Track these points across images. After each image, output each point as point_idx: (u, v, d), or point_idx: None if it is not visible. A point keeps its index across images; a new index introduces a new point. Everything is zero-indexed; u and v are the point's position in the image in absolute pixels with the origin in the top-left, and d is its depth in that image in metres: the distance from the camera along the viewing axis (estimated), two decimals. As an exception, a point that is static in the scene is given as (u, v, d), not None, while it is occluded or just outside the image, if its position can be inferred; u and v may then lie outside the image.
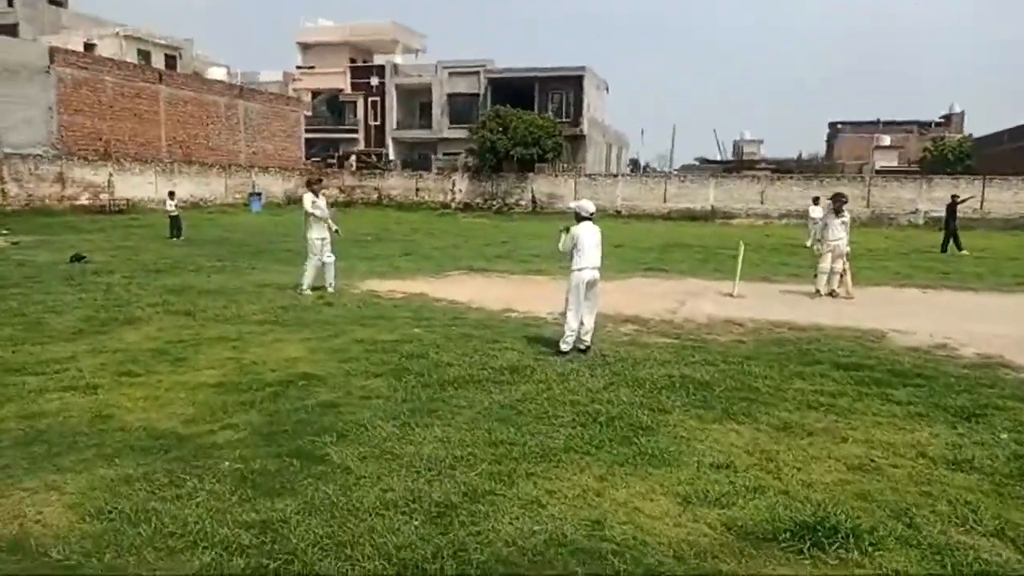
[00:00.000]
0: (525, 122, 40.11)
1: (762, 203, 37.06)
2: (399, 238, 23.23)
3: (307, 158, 47.50)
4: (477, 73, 49.18)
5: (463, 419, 5.40)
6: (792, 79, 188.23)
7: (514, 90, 45.75)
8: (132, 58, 37.47)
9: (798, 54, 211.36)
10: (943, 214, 22.66)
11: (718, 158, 75.62)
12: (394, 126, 52.15)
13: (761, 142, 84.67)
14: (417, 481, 4.23)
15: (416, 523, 3.72)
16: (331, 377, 6.48)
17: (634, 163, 68.11)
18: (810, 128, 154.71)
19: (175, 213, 21.02)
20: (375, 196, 43.42)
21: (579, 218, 7.61)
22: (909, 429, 5.18)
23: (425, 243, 21.43)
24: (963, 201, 22.13)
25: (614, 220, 36.42)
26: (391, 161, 48.23)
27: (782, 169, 64.55)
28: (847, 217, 11.56)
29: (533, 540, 3.55)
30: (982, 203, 34.01)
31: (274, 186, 40.27)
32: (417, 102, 52.77)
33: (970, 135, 67.61)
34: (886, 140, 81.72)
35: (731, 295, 11.38)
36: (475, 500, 3.98)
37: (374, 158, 48.78)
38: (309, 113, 49.04)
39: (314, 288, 11.16)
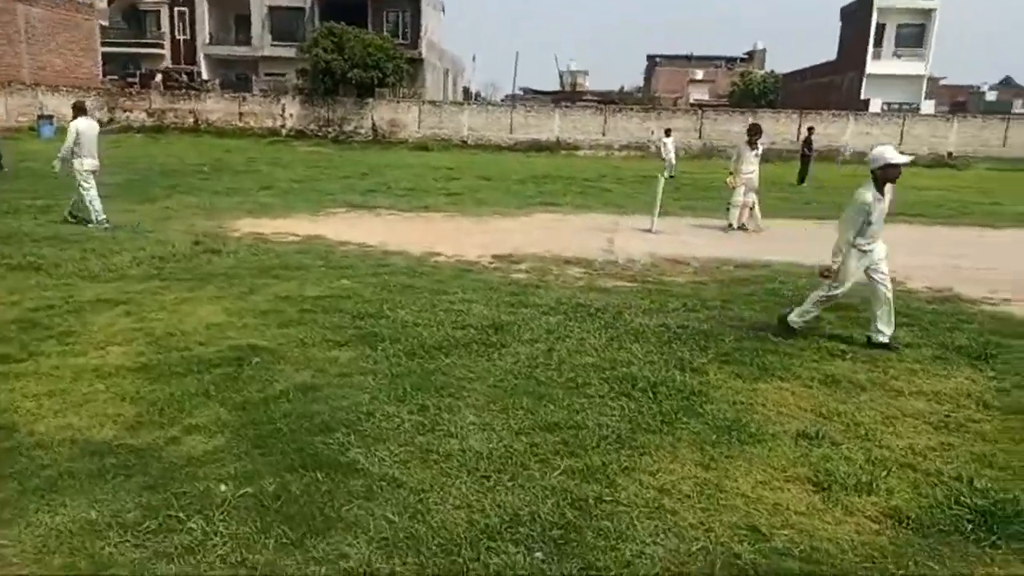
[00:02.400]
0: (363, 42, 37.31)
1: (604, 135, 37.61)
2: (240, 170, 20.76)
3: (104, 76, 41.32)
4: (302, -15, 44.98)
5: (482, 395, 4.52)
6: (611, 10, 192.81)
7: (345, 6, 42.31)
8: None
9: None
10: (800, 147, 24.00)
11: (551, 88, 75.99)
12: (206, 41, 46.77)
13: (586, 73, 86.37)
14: (496, 491, 3.36)
15: (539, 554, 2.89)
16: (284, 349, 5.25)
17: (465, 91, 66.61)
18: (628, 61, 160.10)
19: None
20: (191, 121, 38.71)
21: (880, 179, 5.62)
22: (944, 375, 5.06)
23: (277, 175, 19.29)
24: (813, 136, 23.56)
25: (461, 151, 35.45)
26: (208, 81, 43.23)
27: (606, 100, 66.33)
28: (760, 150, 11.60)
29: (699, 562, 2.86)
30: (798, 136, 36.86)
31: (66, 108, 34.36)
32: (233, 14, 47.51)
33: (772, 71, 73.28)
34: (699, 74, 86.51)
35: (650, 231, 11.10)
36: (588, 512, 3.20)
37: (185, 77, 43.45)
38: (105, 23, 42.38)
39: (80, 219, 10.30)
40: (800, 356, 5.36)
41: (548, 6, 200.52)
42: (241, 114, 38.80)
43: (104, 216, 10.25)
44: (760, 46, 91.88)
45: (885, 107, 40.60)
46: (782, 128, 37.14)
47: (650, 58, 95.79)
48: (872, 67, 42.25)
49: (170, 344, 5.27)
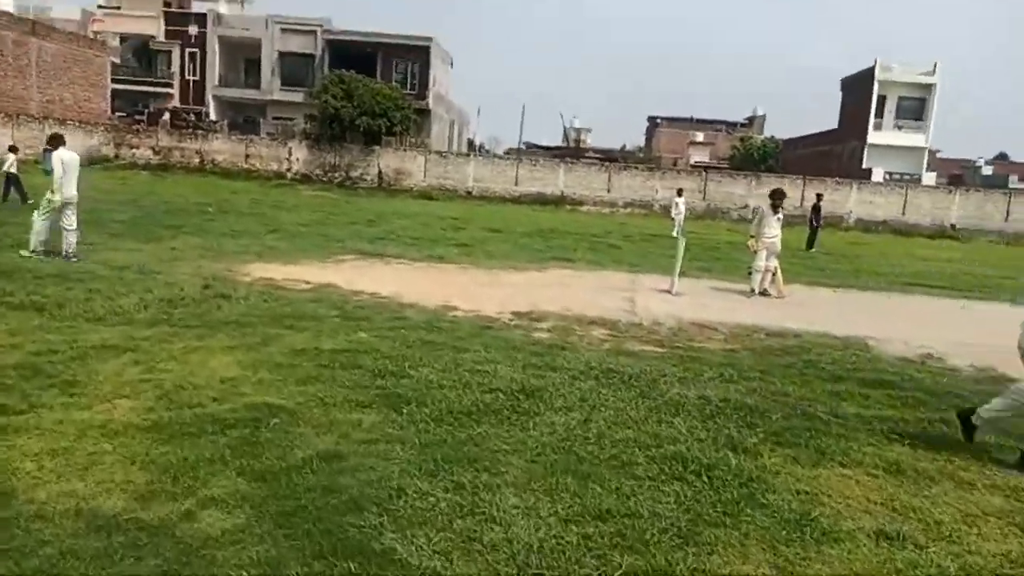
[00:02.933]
0: (372, 90, 37.75)
1: (608, 191, 37.81)
2: (246, 211, 20.59)
3: (112, 112, 41.57)
4: (314, 32, 45.80)
5: (521, 471, 4.16)
6: (614, 71, 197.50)
7: (355, 55, 43.02)
8: None
9: (619, 45, 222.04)
10: (808, 213, 23.98)
11: (558, 143, 77.01)
12: (216, 82, 47.26)
13: (589, 131, 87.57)
14: (556, 592, 2.98)
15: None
16: (303, 409, 4.89)
17: (470, 143, 67.32)
18: (630, 120, 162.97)
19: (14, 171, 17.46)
20: (196, 160, 38.78)
21: None
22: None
23: (283, 219, 19.09)
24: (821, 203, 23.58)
25: (465, 201, 35.53)
26: (216, 122, 43.50)
27: (609, 158, 67.14)
28: (782, 215, 11.44)
29: None
30: (801, 202, 37.09)
31: (73, 142, 34.15)
32: (243, 58, 48.19)
33: (772, 136, 74.43)
34: (699, 136, 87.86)
35: (670, 292, 10.83)
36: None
37: (193, 117, 43.73)
38: (117, 60, 42.86)
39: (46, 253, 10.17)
40: (855, 439, 5.01)
41: (552, 64, 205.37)
42: (247, 156, 38.91)
43: (42, 249, 10.16)
44: (760, 112, 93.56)
45: (887, 176, 41.01)
46: (788, 193, 37.41)
47: (651, 119, 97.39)
48: (873, 137, 42.88)
49: (181, 399, 4.90)
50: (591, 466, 4.30)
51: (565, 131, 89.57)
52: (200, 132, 39.71)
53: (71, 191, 10.38)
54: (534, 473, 4.16)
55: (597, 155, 75.40)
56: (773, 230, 11.20)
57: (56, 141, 10.65)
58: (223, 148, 38.88)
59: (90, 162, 35.86)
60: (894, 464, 4.59)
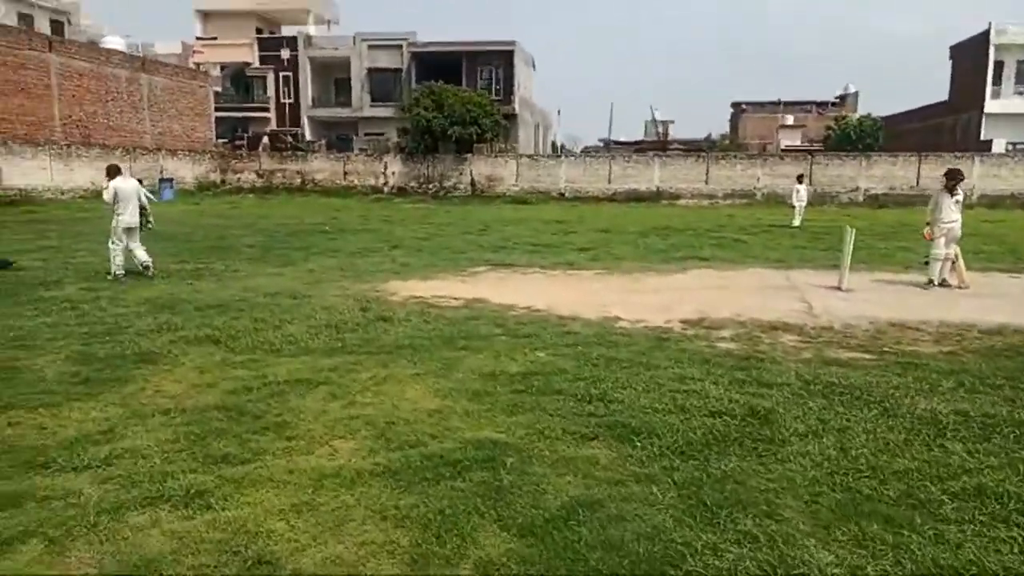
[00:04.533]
0: (461, 99, 37.81)
1: (707, 183, 36.53)
2: (359, 228, 20.73)
3: (216, 139, 43.29)
4: (399, 47, 46.34)
5: (806, 516, 3.62)
6: (693, 60, 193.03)
7: (440, 65, 43.26)
8: (12, 21, 32.37)
9: (698, 36, 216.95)
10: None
11: (638, 138, 75.65)
12: (309, 104, 48.52)
13: (672, 122, 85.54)
14: None
15: None
16: (527, 444, 4.49)
17: (552, 145, 66.84)
18: (712, 109, 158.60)
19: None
20: (298, 181, 39.87)
21: None
22: None
23: (397, 233, 19.09)
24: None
25: (559, 204, 35.02)
26: (314, 142, 44.67)
27: (693, 149, 65.24)
28: (961, 196, 10.40)
29: None
30: (918, 179, 34.79)
31: (183, 170, 36.20)
32: (333, 78, 49.30)
33: (868, 114, 70.57)
34: (789, 119, 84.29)
35: (840, 288, 9.98)
36: None
37: (290, 139, 45.01)
38: (219, 89, 44.67)
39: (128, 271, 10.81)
40: None
41: (626, 57, 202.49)
42: (346, 173, 39.73)
43: (123, 272, 10.69)
44: (851, 89, 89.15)
45: (1010, 147, 38.01)
46: (899, 172, 35.22)
47: (735, 105, 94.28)
48: (991, 106, 39.81)
49: (399, 437, 4.59)
50: (887, 507, 3.71)
51: (646, 125, 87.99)
52: (300, 153, 40.81)
53: (129, 217, 10.80)
54: (823, 518, 3.61)
55: (682, 146, 73.46)
56: (952, 214, 10.16)
57: (113, 172, 10.99)
58: (322, 167, 39.83)
59: (199, 188, 37.53)
60: None
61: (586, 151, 61.14)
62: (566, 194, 37.39)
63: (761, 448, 4.46)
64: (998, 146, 38.49)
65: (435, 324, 7.90)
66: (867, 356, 6.64)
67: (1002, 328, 7.52)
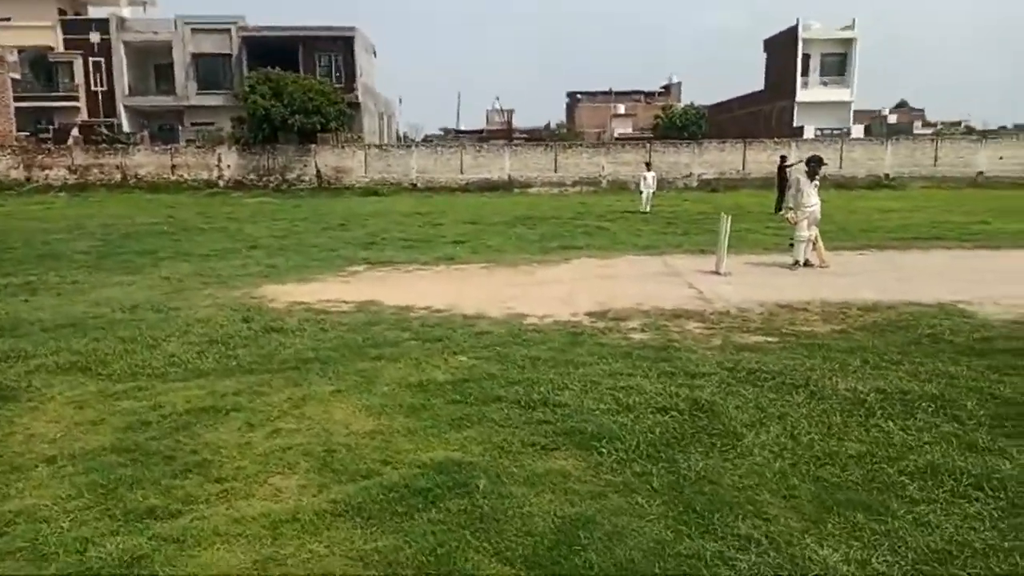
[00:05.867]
0: (301, 87, 36.06)
1: (555, 171, 37.42)
2: (204, 227, 19.16)
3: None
4: (228, 31, 43.38)
5: (789, 511, 3.64)
6: (525, 49, 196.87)
7: (275, 51, 40.95)
8: None
9: (525, 19, 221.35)
10: (775, 176, 24.01)
11: (479, 127, 76.05)
12: (126, 92, 44.19)
13: (513, 111, 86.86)
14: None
15: None
16: (490, 462, 4.20)
17: (398, 135, 65.56)
18: (549, 99, 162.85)
19: None
20: (118, 176, 36.24)
21: None
22: None
23: (249, 231, 17.82)
24: (792, 164, 23.72)
25: (412, 195, 34.49)
26: (134, 133, 40.72)
27: (535, 138, 66.71)
28: (819, 181, 11.18)
29: None
30: (744, 164, 37.66)
31: (-22, 167, 31.72)
32: (152, 64, 45.36)
33: (692, 103, 75.50)
34: (621, 108, 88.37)
35: (718, 272, 10.43)
36: None
37: (104, 130, 40.70)
38: (17, 76, 39.46)
39: None
40: (1075, 419, 4.70)
41: (462, 47, 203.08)
42: (174, 167, 36.66)
43: None
44: (675, 79, 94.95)
45: (818, 132, 42.12)
46: (728, 158, 37.92)
47: (571, 94, 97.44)
48: (802, 95, 43.92)
49: (345, 467, 4.13)
50: (859, 494, 3.81)
51: (488, 114, 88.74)
52: (120, 146, 37.07)
53: None
54: (808, 513, 3.64)
55: (523, 135, 74.83)
56: (812, 198, 10.94)
57: None
58: (146, 161, 36.47)
59: (0, 188, 33.08)
60: None
61: (427, 140, 60.55)
62: (418, 184, 36.83)
63: (719, 443, 4.47)
64: (809, 132, 42.50)
65: (334, 332, 7.33)
66: (770, 339, 6.94)
67: (876, 304, 8.17)
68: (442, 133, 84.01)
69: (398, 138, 61.93)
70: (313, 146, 36.76)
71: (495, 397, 5.29)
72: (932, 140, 38.87)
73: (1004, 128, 67.77)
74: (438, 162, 37.36)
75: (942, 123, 77.72)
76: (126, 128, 42.86)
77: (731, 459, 4.25)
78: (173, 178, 36.46)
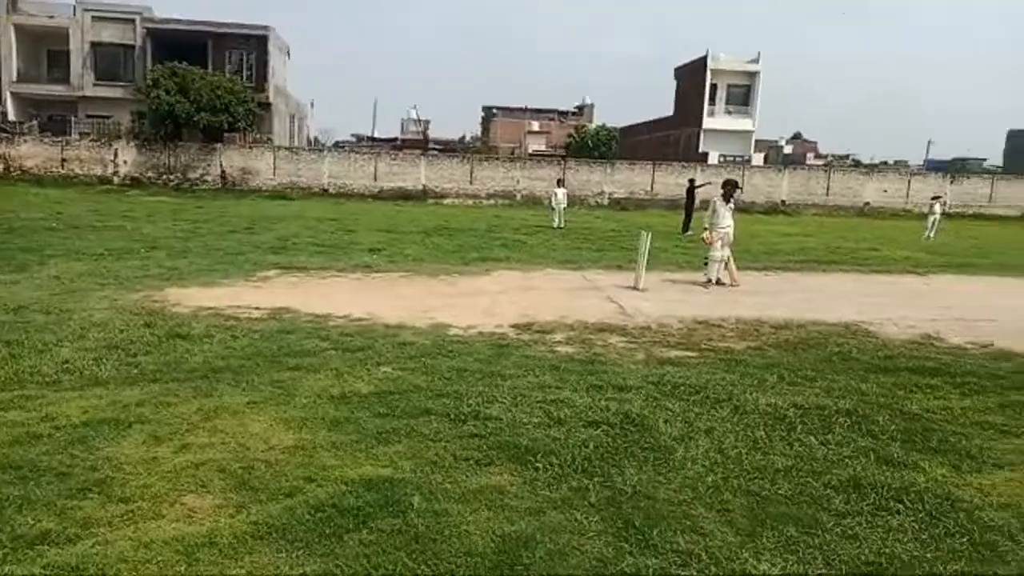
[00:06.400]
0: (209, 84, 34.60)
1: (471, 183, 37.40)
2: (98, 225, 17.94)
3: None
4: (132, 21, 41.06)
5: (721, 524, 3.65)
6: (446, 61, 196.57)
7: (182, 46, 39.06)
8: None
9: (447, 32, 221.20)
10: (684, 197, 24.72)
11: (398, 134, 75.32)
12: (13, 78, 41.05)
13: (429, 121, 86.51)
14: None
15: None
16: (422, 478, 4.01)
17: (309, 139, 63.88)
18: (465, 112, 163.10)
19: None
20: (0, 167, 33.64)
21: None
22: None
23: (150, 232, 16.80)
24: (701, 186, 24.51)
25: (323, 200, 33.64)
26: (21, 123, 37.89)
27: (449, 149, 66.73)
28: (733, 204, 11.55)
29: None
30: (652, 185, 38.81)
31: None
32: (46, 50, 42.32)
33: (603, 124, 77.37)
34: (535, 125, 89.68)
35: (636, 288, 10.58)
36: None
37: (-15, 118, 37.70)
38: None
39: None
40: (970, 436, 4.96)
41: (380, 53, 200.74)
42: (64, 160, 34.38)
43: None
44: (588, 101, 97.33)
45: (722, 159, 43.94)
46: (637, 179, 38.99)
47: (486, 108, 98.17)
48: (708, 123, 45.71)
49: (266, 486, 3.85)
50: (789, 507, 3.87)
51: (403, 122, 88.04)
52: (3, 135, 34.39)
53: None
54: (742, 526, 3.65)
55: (438, 146, 74.58)
56: (727, 220, 11.31)
57: None
58: (34, 152, 34.04)
59: None
60: (1040, 460, 4.55)
61: (339, 145, 59.38)
62: (329, 190, 35.98)
63: (652, 457, 4.45)
64: (713, 158, 44.26)
65: (246, 340, 6.94)
66: (691, 354, 7.05)
67: (787, 323, 8.47)
68: (354, 139, 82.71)
69: (309, 142, 60.36)
70: (219, 145, 35.32)
71: (423, 410, 5.11)
72: (825, 171, 41.34)
73: (885, 163, 73.25)
74: (352, 168, 36.63)
75: (833, 155, 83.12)
76: (11, 116, 39.84)
77: (664, 473, 4.24)
78: (63, 172, 34.17)
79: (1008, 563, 3.35)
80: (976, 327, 8.57)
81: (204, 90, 34.05)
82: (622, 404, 5.37)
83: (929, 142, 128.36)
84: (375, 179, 36.56)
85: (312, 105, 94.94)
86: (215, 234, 16.89)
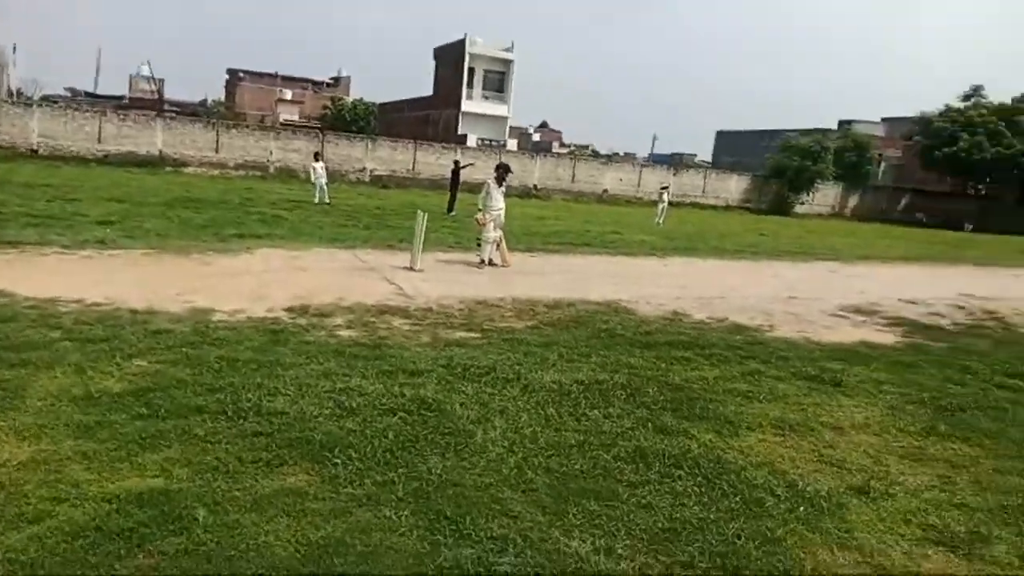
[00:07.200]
0: None
1: (217, 152, 34.43)
2: None
3: None
4: None
5: (529, 506, 3.70)
6: (185, 16, 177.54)
7: None
8: None
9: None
10: (449, 176, 24.79)
11: (126, 92, 66.88)
12: None
13: (163, 80, 77.89)
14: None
15: None
16: (204, 488, 3.54)
17: (10, 90, 54.10)
18: (203, 72, 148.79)
19: None
20: None
21: None
22: (838, 406, 5.75)
23: None
24: (465, 167, 24.73)
25: (32, 161, 28.94)
26: None
27: (189, 112, 61.05)
28: (505, 187, 11.75)
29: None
30: (414, 164, 38.82)
31: None
32: None
33: (361, 99, 75.62)
34: (288, 94, 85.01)
35: (412, 269, 10.39)
36: None
37: None
38: None
39: None
40: (727, 402, 5.58)
41: (105, 2, 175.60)
42: None
43: None
44: (344, 73, 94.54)
45: (480, 142, 45.24)
46: (399, 156, 38.71)
47: (231, 71, 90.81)
48: (467, 106, 46.73)
49: (2, 512, 3.13)
50: (586, 482, 4.03)
51: (132, 79, 78.36)
52: None
53: None
54: (548, 505, 3.73)
55: (175, 108, 67.64)
56: (499, 202, 11.55)
57: None
58: None
59: None
60: (780, 423, 5.23)
61: (50, 100, 51.26)
62: (40, 151, 30.91)
63: (453, 442, 4.38)
64: (472, 140, 45.40)
65: (-52, 331, 5.65)
66: (475, 335, 7.11)
67: (558, 302, 8.89)
68: (69, 95, 71.91)
69: (10, 93, 51.25)
70: None
71: (193, 408, 4.53)
72: (571, 159, 44.42)
73: (618, 154, 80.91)
74: (70, 127, 31.75)
75: (575, 145, 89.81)
76: None
77: (468, 458, 4.19)
78: None
79: (774, 517, 3.79)
80: (712, 304, 9.73)
81: None
82: (416, 389, 5.23)
83: (654, 137, 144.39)
84: (99, 141, 32.09)
85: (14, 50, 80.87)
86: None
